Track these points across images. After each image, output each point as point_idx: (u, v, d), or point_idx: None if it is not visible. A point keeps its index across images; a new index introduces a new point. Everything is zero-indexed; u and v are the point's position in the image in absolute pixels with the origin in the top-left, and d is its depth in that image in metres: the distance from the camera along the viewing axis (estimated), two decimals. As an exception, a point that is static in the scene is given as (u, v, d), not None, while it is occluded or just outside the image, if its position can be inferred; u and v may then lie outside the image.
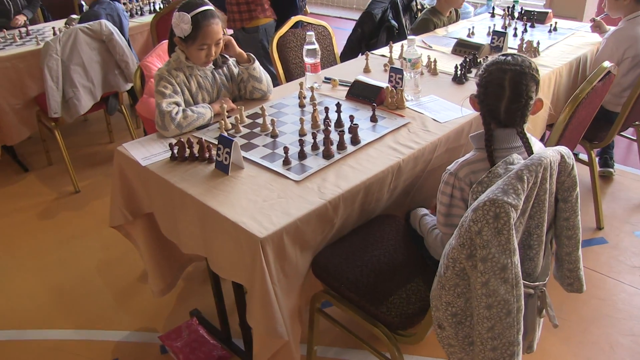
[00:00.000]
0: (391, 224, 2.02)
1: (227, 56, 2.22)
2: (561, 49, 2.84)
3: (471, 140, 1.61)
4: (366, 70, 2.61)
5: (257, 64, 2.21)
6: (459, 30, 3.26)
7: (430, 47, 2.93)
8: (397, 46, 2.92)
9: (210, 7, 2.04)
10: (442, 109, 2.13)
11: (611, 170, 3.24)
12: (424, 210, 1.82)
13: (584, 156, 3.35)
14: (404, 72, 2.21)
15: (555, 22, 3.20)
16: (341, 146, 1.83)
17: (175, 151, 1.83)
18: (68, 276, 2.66)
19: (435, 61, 2.51)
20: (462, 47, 2.78)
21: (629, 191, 3.17)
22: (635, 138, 3.25)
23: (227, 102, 2.16)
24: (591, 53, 2.85)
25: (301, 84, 2.30)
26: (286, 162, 1.75)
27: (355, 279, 1.70)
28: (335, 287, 1.73)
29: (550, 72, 2.52)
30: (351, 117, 1.95)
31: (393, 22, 3.44)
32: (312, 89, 2.26)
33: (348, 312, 1.69)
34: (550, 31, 3.15)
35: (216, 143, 1.89)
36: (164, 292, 2.18)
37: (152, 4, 4.18)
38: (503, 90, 1.45)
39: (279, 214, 1.50)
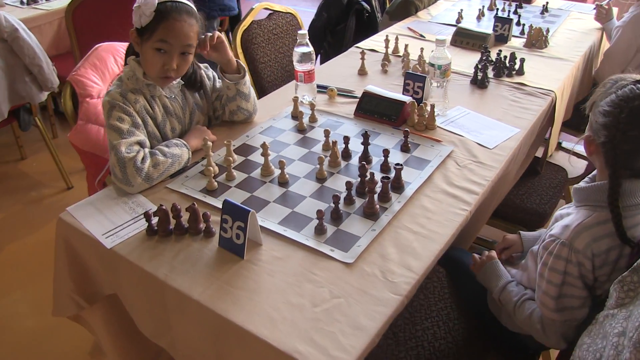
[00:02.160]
0: (432, 277, 1.62)
1: (198, 64, 1.66)
2: (566, 35, 2.50)
3: (578, 194, 1.21)
4: (361, 72, 2.13)
5: (247, 77, 1.67)
6: (443, 13, 2.84)
7: (423, 36, 2.49)
8: (379, 37, 2.45)
9: (190, 4, 1.47)
10: (481, 126, 1.71)
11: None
12: (505, 274, 1.40)
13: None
14: (431, 82, 1.76)
15: (547, 2, 2.86)
16: (384, 197, 1.36)
17: (155, 222, 1.28)
18: (-9, 361, 2.02)
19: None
20: (464, 37, 2.36)
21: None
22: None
23: (208, 134, 1.61)
24: (598, 40, 2.54)
25: (295, 100, 1.79)
26: (320, 230, 1.26)
27: (414, 368, 1.29)
28: (390, 382, 1.31)
29: (573, 67, 2.17)
30: (385, 152, 1.48)
31: (364, 4, 2.96)
32: (312, 105, 1.76)
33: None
34: (542, 13, 2.81)
35: (206, 202, 1.37)
36: (135, 389, 1.64)
37: (58, -15, 3.37)
38: None
39: (346, 330, 1.02)
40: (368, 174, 1.30)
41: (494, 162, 1.53)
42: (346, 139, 1.54)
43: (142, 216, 1.33)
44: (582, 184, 1.24)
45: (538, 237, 1.51)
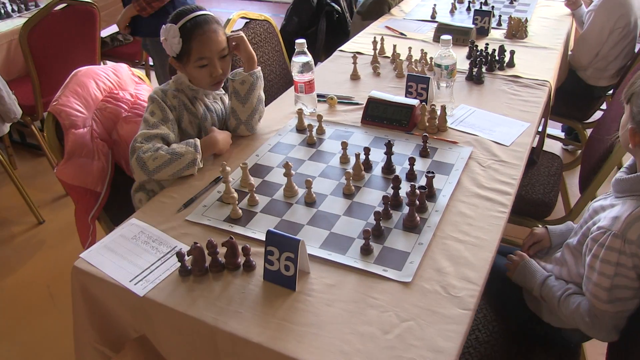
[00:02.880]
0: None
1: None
2: (541, 24, 2.54)
3: (621, 185, 1.21)
4: (354, 76, 2.07)
5: (251, 80, 1.62)
6: (416, 9, 2.82)
7: (404, 34, 2.46)
8: (361, 39, 2.41)
9: (206, 12, 1.53)
10: (491, 124, 1.69)
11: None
12: (540, 271, 1.39)
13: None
14: (438, 83, 1.73)
15: (514, -9, 2.89)
16: (421, 208, 1.32)
17: (187, 260, 1.18)
18: None
19: (440, 57, 2.05)
20: (445, 32, 2.34)
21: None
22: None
23: (229, 140, 1.64)
24: (570, 26, 2.59)
25: (300, 112, 1.72)
26: (366, 250, 1.20)
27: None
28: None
29: (558, 55, 2.21)
30: (411, 160, 1.43)
31: (334, 5, 2.90)
32: (319, 117, 1.69)
33: None
34: (511, 2, 2.84)
35: (234, 232, 1.28)
36: None
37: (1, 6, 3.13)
38: None
39: (426, 355, 0.96)
40: (409, 186, 1.25)
41: (515, 159, 1.52)
42: (367, 150, 1.48)
43: (169, 256, 1.23)
44: (622, 175, 1.23)
45: (565, 231, 1.51)
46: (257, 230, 1.29)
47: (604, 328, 1.22)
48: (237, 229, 1.31)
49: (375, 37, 2.18)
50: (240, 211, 1.35)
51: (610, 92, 2.70)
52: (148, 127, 1.49)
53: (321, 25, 2.91)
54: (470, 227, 1.27)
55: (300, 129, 1.72)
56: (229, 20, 2.20)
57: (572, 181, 2.71)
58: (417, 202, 1.27)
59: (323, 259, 1.20)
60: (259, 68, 1.64)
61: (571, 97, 2.64)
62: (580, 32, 2.62)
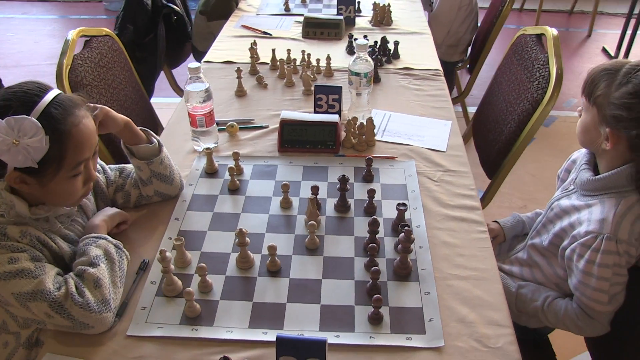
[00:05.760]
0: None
1: None
2: (398, 7, 2.49)
3: (595, 184, 1.19)
4: (240, 92, 1.80)
5: (165, 152, 1.25)
6: (266, 2, 2.59)
7: (269, 34, 2.23)
8: (222, 44, 2.12)
9: (57, 90, 1.01)
10: (415, 128, 1.60)
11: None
12: (509, 282, 1.35)
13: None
14: (355, 92, 1.57)
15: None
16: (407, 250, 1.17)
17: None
18: None
19: (329, 58, 1.88)
20: (316, 27, 2.18)
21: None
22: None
23: (111, 212, 1.20)
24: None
25: (210, 153, 1.42)
26: (377, 319, 1.01)
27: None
28: None
29: (431, 41, 2.19)
30: (371, 192, 1.26)
31: (173, 6, 2.51)
32: (235, 155, 1.41)
33: None
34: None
35: (201, 337, 1.00)
36: None
37: None
38: None
39: None
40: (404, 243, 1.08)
41: (460, 166, 1.45)
42: (315, 190, 1.26)
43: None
44: (587, 173, 1.22)
45: (515, 223, 1.50)
46: (233, 326, 1.02)
47: (599, 326, 1.22)
48: (204, 332, 1.01)
49: (251, 44, 1.92)
50: (198, 306, 1.05)
51: (461, 64, 2.84)
52: (36, 274, 0.96)
53: (160, 31, 2.51)
54: (463, 258, 1.16)
55: (210, 172, 1.43)
56: (67, 41, 1.73)
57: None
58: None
59: (333, 345, 0.98)
60: (148, 130, 1.26)
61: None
62: (429, 13, 2.67)
